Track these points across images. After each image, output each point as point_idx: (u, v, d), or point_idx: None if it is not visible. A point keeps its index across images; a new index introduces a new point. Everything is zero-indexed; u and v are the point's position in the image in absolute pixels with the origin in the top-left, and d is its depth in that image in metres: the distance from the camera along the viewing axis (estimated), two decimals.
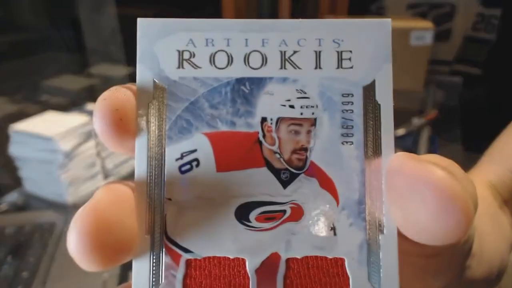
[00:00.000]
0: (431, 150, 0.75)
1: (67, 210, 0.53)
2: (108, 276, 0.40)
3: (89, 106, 0.68)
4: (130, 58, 0.94)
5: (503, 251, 0.22)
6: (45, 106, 0.79)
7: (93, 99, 0.78)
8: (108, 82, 0.91)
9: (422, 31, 0.98)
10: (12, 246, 0.45)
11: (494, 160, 0.29)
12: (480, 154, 0.33)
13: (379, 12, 1.44)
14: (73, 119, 0.59)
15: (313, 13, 1.56)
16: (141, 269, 0.10)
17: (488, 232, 0.21)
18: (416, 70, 1.03)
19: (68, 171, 0.56)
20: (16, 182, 0.61)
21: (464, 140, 0.83)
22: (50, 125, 0.56)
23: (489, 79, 1.28)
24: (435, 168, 0.09)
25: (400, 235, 0.11)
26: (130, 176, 0.69)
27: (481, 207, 0.21)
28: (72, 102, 0.82)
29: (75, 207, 0.56)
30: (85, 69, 0.88)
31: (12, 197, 0.61)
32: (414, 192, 0.10)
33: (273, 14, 1.34)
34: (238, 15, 1.28)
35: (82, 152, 0.58)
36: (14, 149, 0.57)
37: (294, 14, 1.39)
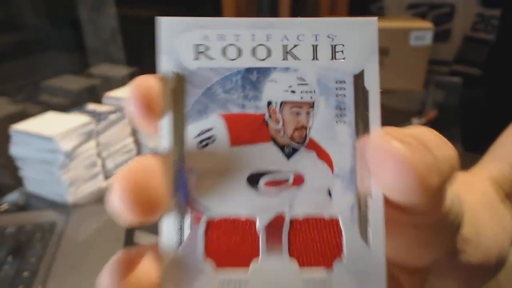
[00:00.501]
0: None
1: (68, 210, 0.54)
2: None
3: (90, 106, 0.68)
4: (130, 58, 0.94)
5: (502, 242, 0.23)
6: (45, 106, 0.79)
7: (94, 99, 0.78)
8: (108, 82, 0.91)
9: (422, 31, 0.98)
10: (13, 246, 0.45)
11: (496, 156, 0.29)
12: (479, 154, 0.33)
13: (379, 12, 1.44)
14: (73, 119, 0.59)
15: (313, 13, 1.56)
16: (168, 226, 0.12)
17: (487, 223, 0.22)
18: (416, 70, 1.03)
19: (68, 171, 0.56)
20: (17, 182, 0.61)
21: (464, 140, 0.83)
22: (50, 125, 0.56)
23: (489, 80, 1.28)
24: (394, 142, 0.11)
25: (391, 206, 0.13)
26: None
27: (480, 199, 0.22)
28: (73, 102, 0.82)
29: (76, 206, 0.56)
30: (85, 69, 0.88)
31: (13, 197, 0.61)
32: (380, 161, 0.12)
33: (273, 14, 1.34)
34: (238, 15, 1.28)
35: (82, 152, 0.58)
36: (15, 149, 0.57)
37: (294, 14, 1.39)
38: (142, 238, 0.49)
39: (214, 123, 0.13)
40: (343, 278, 0.12)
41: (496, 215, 0.24)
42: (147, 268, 0.12)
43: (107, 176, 0.65)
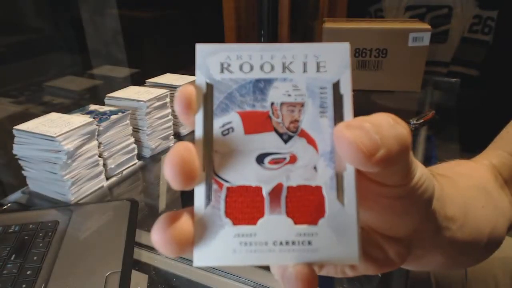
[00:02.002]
0: (428, 150, 0.75)
1: (70, 209, 0.54)
2: (110, 274, 0.41)
3: (92, 106, 0.68)
4: (131, 59, 0.95)
5: (494, 223, 0.25)
6: (48, 107, 0.79)
7: (96, 99, 0.78)
8: (110, 83, 0.91)
9: (420, 33, 0.99)
10: (16, 245, 0.45)
11: (497, 145, 0.32)
12: (477, 153, 0.34)
13: (377, 14, 1.45)
14: (75, 120, 0.59)
15: (313, 15, 1.56)
16: (199, 192, 0.17)
17: (479, 205, 0.25)
18: (414, 71, 1.03)
19: (71, 171, 0.57)
20: (20, 182, 0.62)
21: (461, 140, 0.84)
22: (53, 126, 0.57)
23: (486, 80, 1.29)
24: (344, 130, 0.15)
25: (366, 180, 0.17)
26: (131, 175, 0.70)
27: (475, 183, 0.25)
28: (75, 103, 0.82)
29: (78, 206, 0.57)
30: (87, 70, 0.89)
31: (16, 196, 0.61)
32: (339, 144, 0.16)
33: (273, 16, 1.35)
34: (238, 17, 1.28)
35: (84, 152, 0.59)
36: (18, 149, 0.58)
37: (294, 16, 1.39)
38: (143, 237, 0.50)
39: (233, 118, 0.17)
40: (325, 231, 0.17)
41: (491, 198, 0.26)
42: (185, 222, 0.16)
43: (108, 176, 0.65)
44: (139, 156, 0.72)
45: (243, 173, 0.17)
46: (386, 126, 0.16)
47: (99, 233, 0.47)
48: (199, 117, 0.17)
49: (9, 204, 0.60)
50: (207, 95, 0.17)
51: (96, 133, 0.61)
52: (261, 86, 0.17)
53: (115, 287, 0.39)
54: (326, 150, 0.17)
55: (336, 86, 0.17)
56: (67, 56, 0.86)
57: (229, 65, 0.17)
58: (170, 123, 0.76)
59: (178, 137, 0.82)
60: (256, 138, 0.17)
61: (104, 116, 0.64)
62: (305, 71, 0.17)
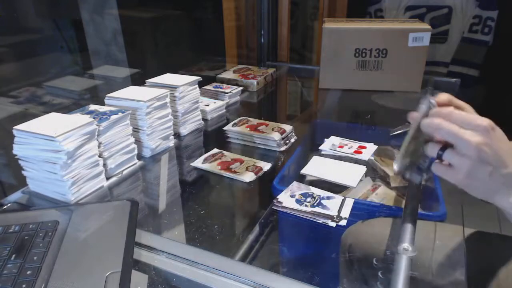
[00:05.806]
0: None
1: (70, 209, 0.54)
2: (110, 274, 0.41)
3: (92, 106, 0.69)
4: (131, 59, 0.95)
5: None
6: (48, 107, 0.79)
7: (96, 99, 0.78)
8: (110, 83, 0.92)
9: (420, 33, 0.99)
10: (16, 245, 0.45)
11: None
12: None
13: (377, 14, 1.45)
14: (76, 120, 0.59)
15: (313, 15, 1.57)
16: None
17: None
18: (414, 71, 1.04)
19: (71, 171, 0.57)
20: (20, 182, 0.62)
21: None
22: (53, 126, 0.57)
23: (486, 80, 1.29)
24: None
25: None
26: (131, 175, 0.70)
27: None
28: (75, 103, 0.82)
29: (78, 206, 0.57)
30: (87, 70, 0.89)
31: (16, 196, 0.61)
32: None
33: (273, 16, 1.35)
34: (238, 15, 1.28)
35: (84, 152, 0.59)
36: (18, 149, 0.58)
37: (294, 17, 1.39)
38: (143, 237, 0.50)
39: None
40: None
41: None
42: None
43: (108, 175, 0.65)
44: (139, 156, 0.72)
45: None
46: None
47: (99, 233, 0.47)
48: None
49: (9, 204, 0.60)
50: None
51: (96, 133, 0.61)
52: None
53: (115, 287, 0.39)
54: None
55: None
56: (67, 56, 0.86)
57: None
58: (170, 123, 0.76)
59: (178, 137, 0.82)
60: None
61: (104, 116, 0.64)
62: None
